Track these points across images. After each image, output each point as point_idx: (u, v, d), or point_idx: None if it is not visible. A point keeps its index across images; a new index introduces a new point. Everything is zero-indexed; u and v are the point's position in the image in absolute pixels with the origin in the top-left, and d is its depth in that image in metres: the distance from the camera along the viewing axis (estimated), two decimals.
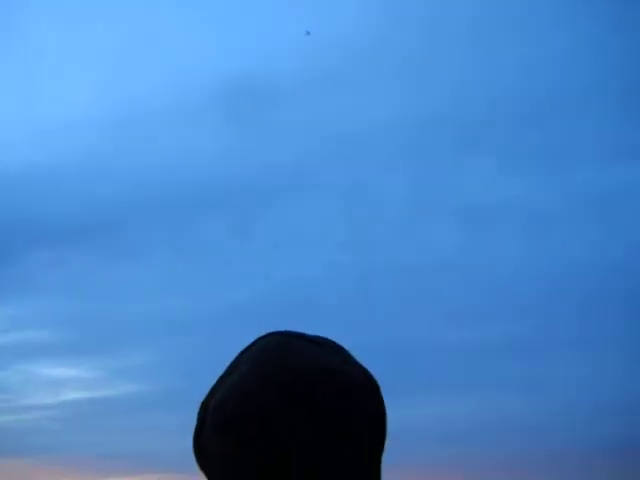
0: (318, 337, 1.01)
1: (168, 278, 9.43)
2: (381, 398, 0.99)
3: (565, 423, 8.37)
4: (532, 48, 8.85)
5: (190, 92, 8.94)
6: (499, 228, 9.10)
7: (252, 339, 1.04)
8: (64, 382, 9.97)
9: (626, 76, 8.73)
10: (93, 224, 9.44)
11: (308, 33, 7.86)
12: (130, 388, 9.69)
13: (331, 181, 9.31)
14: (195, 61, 9.06)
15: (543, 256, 8.98)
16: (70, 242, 9.63)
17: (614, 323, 8.57)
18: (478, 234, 9.11)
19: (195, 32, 9.08)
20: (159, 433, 8.70)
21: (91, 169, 9.25)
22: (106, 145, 9.19)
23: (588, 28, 8.58)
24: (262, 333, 1.04)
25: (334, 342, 1.02)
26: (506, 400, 8.70)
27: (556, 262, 8.95)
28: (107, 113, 9.01)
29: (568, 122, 8.97)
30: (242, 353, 1.00)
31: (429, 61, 8.92)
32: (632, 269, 8.62)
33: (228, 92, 8.92)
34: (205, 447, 0.97)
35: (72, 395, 10.00)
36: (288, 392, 0.93)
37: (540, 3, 8.87)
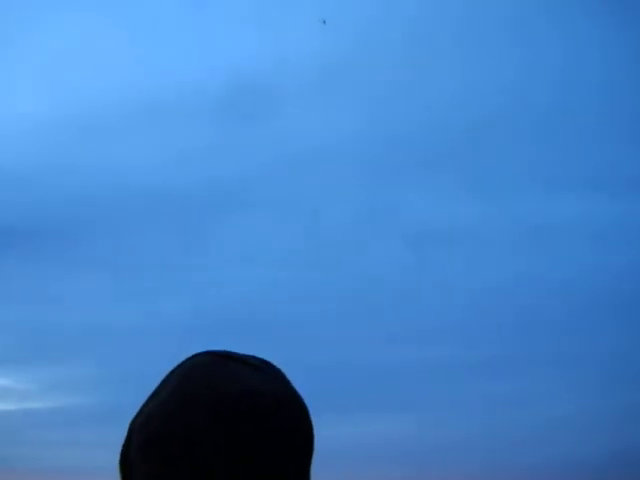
0: (247, 356, 1.02)
1: (109, 288, 9.29)
2: (308, 417, 1.00)
3: (520, 443, 8.53)
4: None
5: (144, 99, 8.85)
6: (447, 252, 9.21)
7: (189, 354, 1.04)
8: None
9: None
10: (33, 228, 9.26)
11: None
12: (64, 401, 9.51)
13: (280, 197, 9.31)
14: (152, 68, 8.98)
15: (489, 280, 9.13)
16: (6, 245, 9.42)
17: (555, 344, 8.80)
18: (426, 257, 9.20)
19: (135, 49, 9.01)
20: (92, 447, 8.54)
21: (37, 172, 9.07)
22: (57, 147, 9.04)
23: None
24: (200, 348, 1.03)
25: (264, 361, 1.03)
26: (458, 420, 8.81)
27: (502, 287, 9.10)
28: (59, 115, 8.88)
29: (524, 148, 9.14)
30: (171, 373, 1.01)
31: (393, 83, 8.98)
32: (575, 292, 8.87)
33: (181, 102, 8.87)
34: (130, 466, 0.97)
35: (2, 406, 9.76)
36: (213, 412, 0.93)
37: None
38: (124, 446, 0.99)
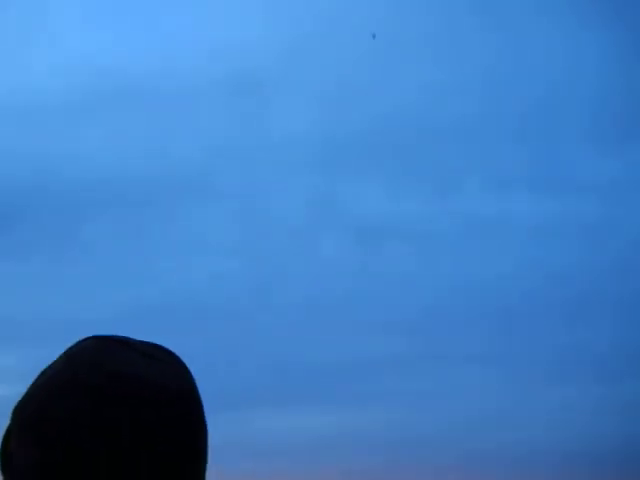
0: (144, 344, 0.98)
1: (50, 277, 9.13)
2: (198, 409, 0.97)
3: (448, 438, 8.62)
4: (443, 72, 9.04)
5: (87, 85, 8.72)
6: (391, 246, 9.28)
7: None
8: None
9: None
10: None
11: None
12: None
13: (228, 188, 9.27)
14: (101, 56, 8.84)
15: (439, 275, 9.24)
16: None
17: (497, 339, 8.93)
18: (377, 251, 9.28)
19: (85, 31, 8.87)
20: None
21: None
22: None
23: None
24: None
25: (163, 350, 0.99)
26: (410, 413, 8.89)
27: (453, 281, 9.21)
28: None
29: (469, 145, 9.22)
30: (60, 356, 0.98)
31: (349, 81, 8.99)
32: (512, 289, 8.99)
33: (131, 88, 8.76)
34: (11, 450, 0.95)
35: None
36: (98, 395, 0.92)
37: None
38: (6, 430, 0.96)
